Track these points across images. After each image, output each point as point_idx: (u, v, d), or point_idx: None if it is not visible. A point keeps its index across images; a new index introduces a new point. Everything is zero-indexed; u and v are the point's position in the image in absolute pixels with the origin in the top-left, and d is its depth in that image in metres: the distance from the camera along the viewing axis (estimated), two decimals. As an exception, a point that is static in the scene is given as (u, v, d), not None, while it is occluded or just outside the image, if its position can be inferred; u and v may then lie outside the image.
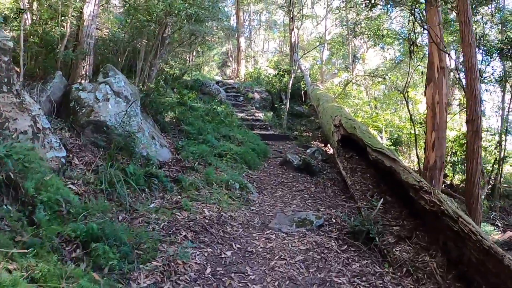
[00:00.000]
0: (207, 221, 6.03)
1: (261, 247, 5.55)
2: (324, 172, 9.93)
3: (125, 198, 6.12)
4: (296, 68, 17.45)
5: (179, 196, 6.94)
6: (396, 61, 18.76)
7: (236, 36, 28.11)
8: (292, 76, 16.07)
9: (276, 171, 9.60)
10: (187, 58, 19.17)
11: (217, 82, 20.31)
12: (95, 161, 6.75)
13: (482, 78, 11.90)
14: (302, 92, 18.06)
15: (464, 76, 6.67)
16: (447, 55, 11.25)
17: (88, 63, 11.15)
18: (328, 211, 7.18)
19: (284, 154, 11.17)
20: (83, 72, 10.03)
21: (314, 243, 5.77)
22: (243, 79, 23.95)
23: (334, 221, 6.68)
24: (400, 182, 6.96)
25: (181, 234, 5.54)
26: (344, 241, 6.05)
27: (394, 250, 5.99)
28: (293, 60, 16.76)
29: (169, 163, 8.42)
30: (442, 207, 5.61)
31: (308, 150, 11.44)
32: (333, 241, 5.95)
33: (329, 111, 12.65)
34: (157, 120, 10.38)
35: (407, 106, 13.62)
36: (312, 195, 7.98)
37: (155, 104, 10.44)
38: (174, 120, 11.17)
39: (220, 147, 9.53)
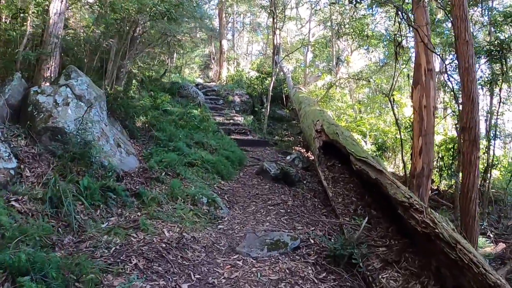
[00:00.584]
0: (164, 245, 5.11)
1: (224, 278, 4.63)
2: (304, 182, 9.03)
3: (74, 217, 5.19)
4: (278, 70, 16.58)
5: (138, 213, 6.04)
6: (381, 64, 17.99)
7: (219, 38, 27.16)
8: (274, 79, 15.20)
9: (252, 181, 8.68)
10: (166, 60, 18.17)
11: (197, 85, 19.37)
12: (47, 172, 5.83)
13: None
14: (284, 95, 17.18)
15: (459, 79, 5.78)
16: (435, 57, 10.50)
17: (53, 64, 10.20)
18: (306, 229, 6.27)
19: (262, 161, 10.26)
20: (48, 74, 9.19)
21: (287, 271, 4.86)
22: (225, 82, 23.02)
23: (312, 241, 5.79)
24: (387, 197, 6.10)
25: (131, 262, 4.61)
26: (322, 267, 5.16)
27: (380, 277, 5.13)
28: (275, 62, 15.92)
29: (133, 174, 7.47)
30: (436, 230, 4.75)
31: (288, 157, 10.55)
32: (310, 268, 5.05)
33: (310, 115, 11.79)
34: (126, 125, 9.42)
35: (393, 110, 12.80)
36: (289, 210, 7.06)
37: (124, 108, 9.47)
38: (146, 125, 10.21)
39: (191, 155, 8.59)
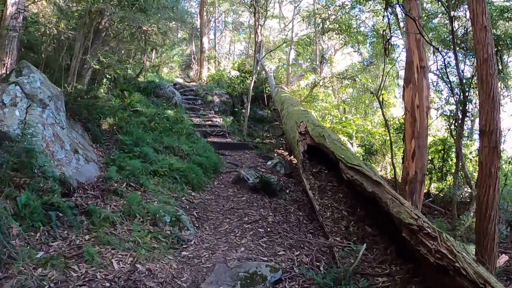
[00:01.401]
0: (109, 283, 3.89)
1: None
2: (287, 191, 7.85)
3: (3, 245, 3.99)
4: (259, 69, 15.38)
5: (86, 236, 4.80)
6: (366, 63, 16.90)
7: (199, 36, 25.86)
8: (254, 77, 14.00)
9: (227, 191, 7.44)
10: (143, 58, 16.85)
11: (175, 84, 18.08)
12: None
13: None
14: (266, 95, 15.99)
15: (478, 72, 4.63)
16: (426, 53, 9.51)
17: (9, 60, 9.00)
18: (290, 254, 5.07)
19: (240, 167, 9.06)
20: (3, 71, 8.03)
21: (265, 318, 3.67)
22: (205, 82, 21.75)
23: (297, 271, 4.59)
24: (387, 213, 4.96)
25: (63, 311, 3.37)
26: (311, 310, 3.97)
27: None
28: (256, 60, 14.75)
29: (89, 185, 6.23)
30: (457, 264, 3.60)
31: (269, 162, 9.35)
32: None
33: (294, 116, 10.64)
34: (89, 128, 8.16)
35: (382, 110, 11.74)
36: (269, 229, 5.84)
37: (87, 109, 8.19)
38: (114, 128, 8.93)
39: (159, 162, 7.34)
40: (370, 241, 5.54)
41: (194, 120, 13.41)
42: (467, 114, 11.44)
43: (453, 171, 11.95)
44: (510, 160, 10.95)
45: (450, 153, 11.96)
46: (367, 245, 5.26)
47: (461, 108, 9.63)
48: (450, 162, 11.68)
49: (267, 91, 16.58)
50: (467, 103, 9.60)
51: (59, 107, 6.78)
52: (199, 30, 25.74)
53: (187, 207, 6.24)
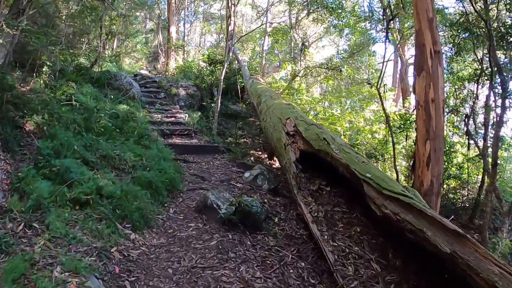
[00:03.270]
0: None
1: None
2: (276, 220, 5.19)
3: None
4: (231, 56, 12.57)
5: None
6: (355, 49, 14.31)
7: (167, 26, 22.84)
8: (226, 65, 11.24)
9: (187, 229, 4.56)
10: (99, 46, 13.71)
11: (135, 75, 15.06)
12: None
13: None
14: (239, 88, 13.22)
15: None
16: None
17: None
18: None
19: (207, 182, 6.30)
20: None
21: None
22: (172, 74, 18.82)
23: None
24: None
25: None
26: None
27: None
28: (228, 47, 12.02)
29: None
30: None
31: (247, 174, 6.60)
32: None
33: (276, 111, 8.00)
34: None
35: (382, 104, 9.25)
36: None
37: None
38: (45, 128, 6.10)
39: (84, 182, 4.51)
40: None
41: (154, 116, 10.56)
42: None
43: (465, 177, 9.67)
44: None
45: (452, 156, 9.63)
46: None
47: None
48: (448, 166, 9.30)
49: (239, 83, 13.81)
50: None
51: None
52: (164, 18, 22.91)
53: (113, 271, 3.43)
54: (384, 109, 9.17)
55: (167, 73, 19.87)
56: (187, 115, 11.25)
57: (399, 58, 26.10)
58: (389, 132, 9.17)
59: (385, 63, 9.20)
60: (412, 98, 13.13)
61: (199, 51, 28.01)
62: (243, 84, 13.75)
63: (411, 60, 19.82)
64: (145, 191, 4.85)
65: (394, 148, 8.92)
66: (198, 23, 31.76)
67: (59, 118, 6.42)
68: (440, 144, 6.61)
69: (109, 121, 6.98)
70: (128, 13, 18.05)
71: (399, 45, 16.78)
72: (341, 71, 12.98)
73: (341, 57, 14.41)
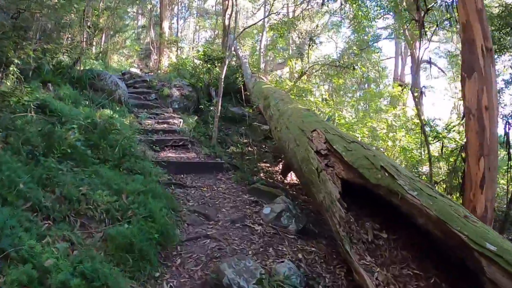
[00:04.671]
0: None
1: None
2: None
3: None
4: (231, 53, 10.62)
5: None
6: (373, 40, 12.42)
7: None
8: (227, 62, 9.31)
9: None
10: (81, 42, 11.66)
11: (123, 74, 13.09)
12: None
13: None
14: (239, 88, 11.30)
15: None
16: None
17: None
18: None
19: (213, 220, 4.39)
20: None
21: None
22: (165, 72, 16.86)
23: None
24: None
25: None
26: None
27: None
28: (227, 44, 10.13)
29: None
30: None
31: (267, 210, 4.68)
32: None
33: (294, 119, 6.19)
34: None
35: (417, 110, 7.42)
36: None
37: None
38: None
39: (24, 257, 2.59)
40: None
41: (143, 122, 8.63)
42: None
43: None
44: None
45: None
46: None
47: None
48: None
49: (238, 82, 11.90)
50: None
51: None
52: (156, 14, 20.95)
53: None
54: (419, 115, 7.36)
55: (159, 71, 17.91)
56: (181, 120, 9.32)
57: (402, 55, 24.47)
58: (423, 142, 7.37)
59: (419, 59, 7.34)
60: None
61: (193, 48, 26.01)
62: (240, 83, 11.85)
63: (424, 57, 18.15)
64: (122, 265, 2.93)
65: (430, 163, 7.15)
66: (192, 19, 29.77)
67: (7, 136, 4.48)
68: (494, 161, 5.08)
69: (78, 138, 5.01)
70: (117, 5, 15.97)
71: (412, 42, 15.01)
72: (354, 68, 11.12)
73: (353, 54, 12.52)
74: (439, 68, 17.77)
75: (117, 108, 9.05)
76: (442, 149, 7.96)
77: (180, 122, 9.15)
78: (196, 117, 10.10)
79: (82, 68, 10.55)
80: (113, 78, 10.20)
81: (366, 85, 19.37)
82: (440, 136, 7.80)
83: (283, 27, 11.93)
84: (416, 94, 7.48)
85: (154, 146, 7.21)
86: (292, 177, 7.38)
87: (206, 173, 6.43)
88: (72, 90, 8.54)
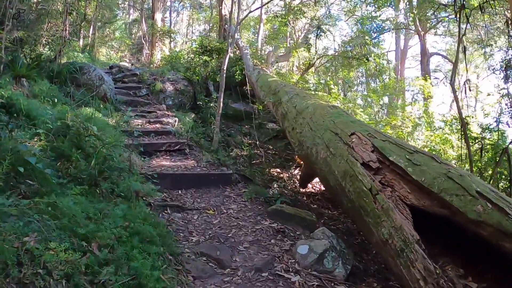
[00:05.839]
0: None
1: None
2: None
3: None
4: (234, 41, 9.16)
5: None
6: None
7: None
8: (230, 51, 7.90)
9: None
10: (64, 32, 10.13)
11: (111, 67, 11.59)
12: None
13: None
14: (242, 81, 9.88)
15: None
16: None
17: None
18: None
19: (228, 266, 3.00)
20: None
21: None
22: (158, 66, 15.40)
23: None
24: None
25: None
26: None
27: None
28: (229, 32, 8.71)
29: None
30: None
31: (304, 250, 3.27)
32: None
33: (320, 119, 4.86)
34: None
35: (458, 106, 6.08)
36: None
37: None
38: None
39: None
40: None
41: (134, 123, 7.21)
42: None
43: None
44: None
45: None
46: None
47: None
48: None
49: (237, 76, 10.48)
50: None
51: None
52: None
53: None
54: (460, 113, 6.01)
55: (152, 65, 16.43)
56: (176, 119, 7.89)
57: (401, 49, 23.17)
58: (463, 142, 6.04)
59: (461, 51, 5.99)
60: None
61: (186, 42, 24.50)
62: (239, 78, 10.43)
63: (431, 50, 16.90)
64: None
65: (472, 167, 5.86)
66: (185, 11, 28.16)
67: None
68: None
69: (43, 147, 3.59)
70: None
71: (423, 33, 13.70)
72: (368, 59, 9.75)
73: (363, 44, 11.12)
74: (449, 60, 16.46)
75: (101, 106, 7.64)
76: (482, 151, 6.65)
77: (175, 121, 7.72)
78: (193, 115, 8.68)
79: (64, 61, 9.12)
80: (98, 72, 8.78)
81: (369, 79, 18.10)
82: (480, 137, 6.50)
83: (288, 14, 10.49)
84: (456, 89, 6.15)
85: (143, 155, 5.78)
86: (314, 184, 6.02)
87: (210, 187, 5.02)
88: (50, 86, 7.21)
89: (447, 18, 11.12)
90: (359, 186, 3.36)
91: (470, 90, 6.16)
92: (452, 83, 6.14)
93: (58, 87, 7.72)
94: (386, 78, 14.02)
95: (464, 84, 5.96)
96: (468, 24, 6.51)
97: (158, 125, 7.36)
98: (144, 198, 4.04)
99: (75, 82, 8.28)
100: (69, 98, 7.42)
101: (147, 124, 7.41)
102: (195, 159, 6.02)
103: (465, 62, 7.54)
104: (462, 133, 6.07)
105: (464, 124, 6.04)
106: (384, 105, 11.10)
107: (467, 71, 10.23)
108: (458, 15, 5.90)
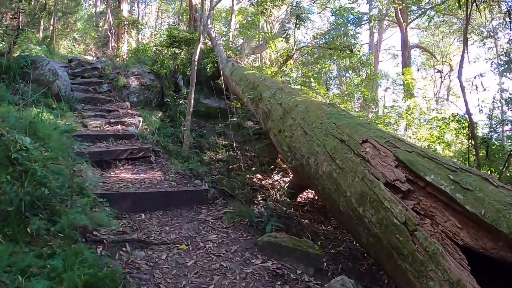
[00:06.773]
0: None
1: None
2: None
3: None
4: (206, 30, 8.05)
5: None
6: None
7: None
8: (202, 40, 6.80)
9: None
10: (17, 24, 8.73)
11: (70, 61, 10.20)
12: None
13: None
14: (214, 74, 8.80)
15: None
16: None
17: None
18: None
19: None
20: None
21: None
22: (125, 59, 14.09)
23: None
24: None
25: None
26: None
27: None
28: (200, 21, 7.66)
29: None
30: None
31: None
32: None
33: (317, 121, 3.91)
34: None
35: (466, 104, 5.29)
36: None
37: None
38: None
39: None
40: None
41: (91, 124, 6.06)
42: None
43: None
44: None
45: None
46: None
47: None
48: None
49: (208, 69, 9.43)
50: None
51: None
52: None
53: None
54: (468, 113, 5.22)
55: (117, 58, 15.07)
56: (141, 119, 6.75)
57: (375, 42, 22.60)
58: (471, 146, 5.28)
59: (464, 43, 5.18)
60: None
61: (155, 35, 23.05)
62: (210, 71, 9.38)
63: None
64: None
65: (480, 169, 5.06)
66: (154, 3, 26.63)
67: None
68: None
69: None
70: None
71: (405, 24, 12.98)
72: (352, 51, 8.88)
73: (344, 34, 10.21)
74: (430, 53, 15.86)
75: (54, 105, 6.43)
76: (487, 153, 5.89)
77: (139, 121, 6.59)
78: (160, 114, 7.56)
79: (15, 55, 7.83)
80: (52, 66, 7.51)
81: (345, 72, 17.32)
82: (487, 138, 5.75)
83: (265, 1, 9.47)
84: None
85: (100, 166, 4.66)
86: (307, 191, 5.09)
87: (181, 207, 3.96)
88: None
89: (432, 11, 10.44)
90: (387, 217, 2.42)
91: (482, 86, 5.36)
92: (459, 78, 5.34)
93: (7, 84, 6.54)
94: (365, 71, 13.28)
95: (475, 78, 5.15)
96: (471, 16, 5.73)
97: (119, 127, 6.22)
98: (94, 233, 2.97)
99: (27, 78, 7.05)
100: (18, 96, 6.22)
101: (107, 125, 6.26)
102: (162, 169, 4.94)
103: (467, 55, 6.82)
104: (470, 133, 5.30)
105: (472, 125, 5.26)
106: (361, 99, 10.34)
107: (468, 63, 9.59)
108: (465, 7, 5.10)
